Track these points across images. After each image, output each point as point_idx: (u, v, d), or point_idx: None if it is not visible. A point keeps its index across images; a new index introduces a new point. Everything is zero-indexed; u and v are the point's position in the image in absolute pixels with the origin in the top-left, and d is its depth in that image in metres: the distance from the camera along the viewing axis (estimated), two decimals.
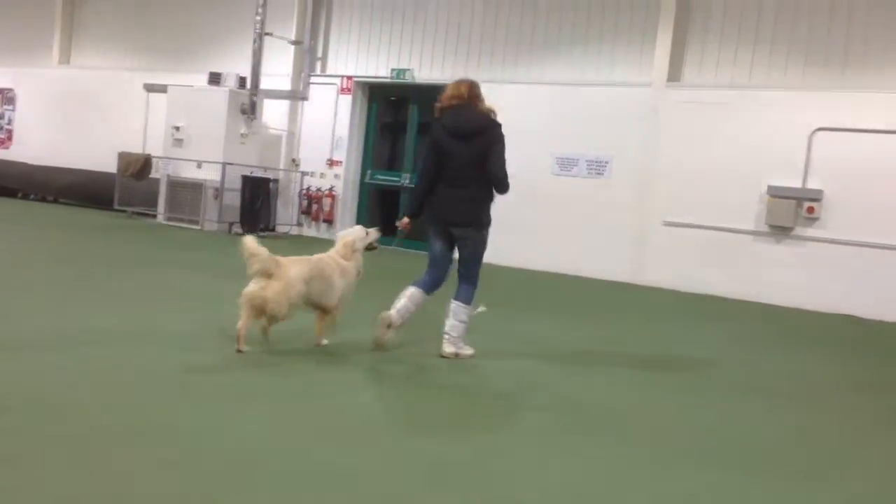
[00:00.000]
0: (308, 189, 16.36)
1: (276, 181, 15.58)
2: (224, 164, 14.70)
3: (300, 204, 16.36)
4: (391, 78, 15.67)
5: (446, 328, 5.92)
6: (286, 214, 16.15)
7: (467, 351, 6.00)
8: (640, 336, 8.16)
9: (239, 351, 5.29)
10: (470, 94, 6.02)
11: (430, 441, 4.05)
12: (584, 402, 5.19)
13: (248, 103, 15.17)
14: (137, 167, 15.72)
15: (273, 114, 16.09)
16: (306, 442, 3.76)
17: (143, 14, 18.47)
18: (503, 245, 13.75)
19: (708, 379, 6.37)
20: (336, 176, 16.18)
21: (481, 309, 6.40)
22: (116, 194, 16.04)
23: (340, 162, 16.14)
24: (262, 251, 5.30)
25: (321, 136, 16.23)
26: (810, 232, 11.79)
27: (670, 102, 12.71)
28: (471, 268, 6.03)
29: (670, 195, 12.70)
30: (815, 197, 11.68)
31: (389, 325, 5.84)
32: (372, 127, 16.47)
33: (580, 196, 13.54)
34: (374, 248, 6.21)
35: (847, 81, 11.69)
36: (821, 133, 11.69)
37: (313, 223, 16.35)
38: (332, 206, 16.16)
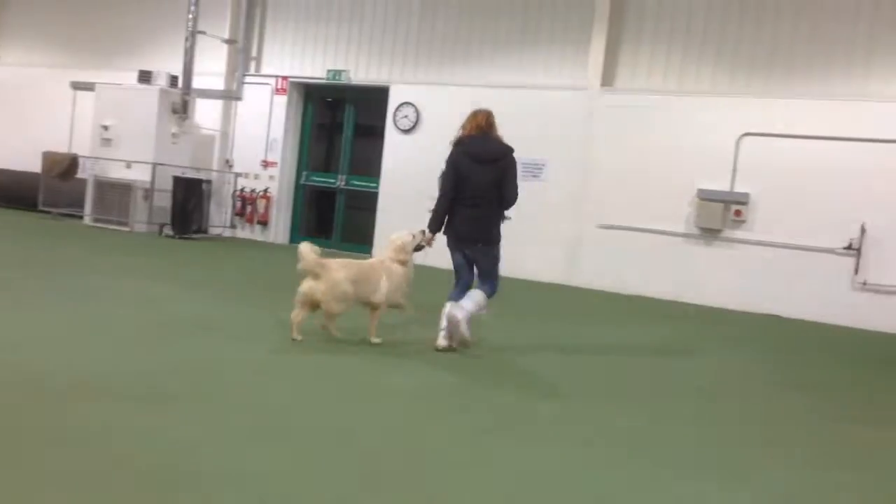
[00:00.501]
0: (242, 190, 16.11)
1: (208, 182, 15.30)
2: (154, 165, 14.38)
3: (234, 206, 16.11)
4: (327, 79, 15.55)
5: (459, 302, 6.46)
6: (219, 216, 15.87)
7: (467, 333, 6.39)
8: (572, 337, 8.25)
9: (293, 339, 6.04)
10: (487, 123, 6.79)
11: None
12: (515, 406, 5.21)
13: (179, 102, 14.86)
14: (63, 167, 15.24)
15: (206, 114, 15.79)
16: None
17: (70, 10, 17.95)
18: (442, 247, 13.84)
19: (637, 379, 6.48)
20: (271, 177, 15.98)
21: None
22: (41, 195, 15.54)
23: (275, 163, 15.95)
24: (309, 255, 6.01)
25: (256, 137, 16.01)
26: (738, 234, 12.11)
27: (604, 106, 12.91)
28: (489, 276, 6.69)
29: (604, 198, 12.90)
30: (743, 200, 12.00)
31: (458, 322, 6.31)
32: (307, 128, 16.32)
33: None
34: (421, 249, 6.74)
35: (773, 88, 12.05)
36: (748, 138, 12.02)
37: (247, 225, 16.11)
38: (266, 208, 15.95)
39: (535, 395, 5.51)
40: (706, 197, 12.17)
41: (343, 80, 15.39)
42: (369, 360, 5.92)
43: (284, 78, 15.90)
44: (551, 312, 10.35)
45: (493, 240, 6.66)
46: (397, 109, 14.82)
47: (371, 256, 14.73)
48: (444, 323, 6.42)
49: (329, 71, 15.52)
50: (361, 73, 15.27)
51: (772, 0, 12.09)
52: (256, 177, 16.04)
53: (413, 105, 14.67)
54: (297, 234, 16.26)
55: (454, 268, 6.79)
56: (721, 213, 12.09)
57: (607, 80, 13.11)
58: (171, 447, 3.60)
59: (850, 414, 5.91)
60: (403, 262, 6.51)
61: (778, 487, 4.00)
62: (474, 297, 6.54)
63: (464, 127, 6.81)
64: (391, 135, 14.91)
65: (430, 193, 14.19)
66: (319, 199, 16.37)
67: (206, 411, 4.21)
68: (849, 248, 11.32)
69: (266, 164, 16.01)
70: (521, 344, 7.38)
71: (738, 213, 12.03)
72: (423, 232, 6.73)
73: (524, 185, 13.33)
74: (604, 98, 12.97)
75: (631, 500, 3.60)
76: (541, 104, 13.49)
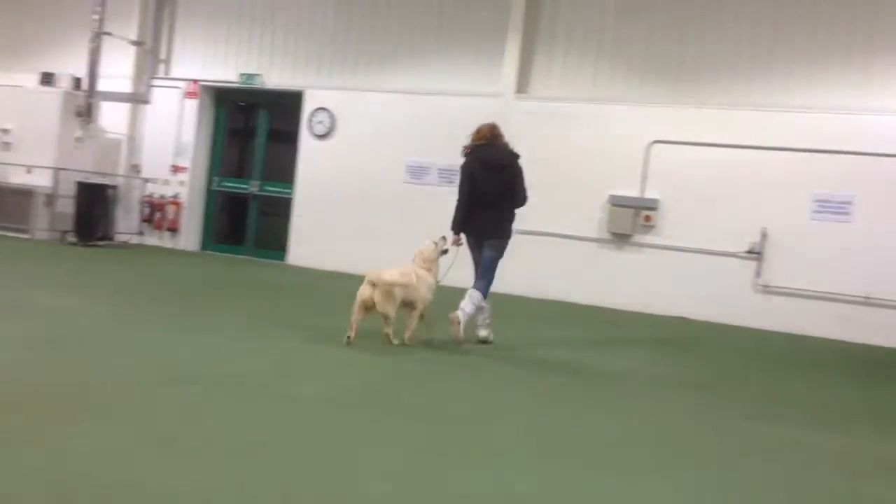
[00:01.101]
0: (150, 196, 15.67)
1: (114, 188, 14.82)
2: (56, 170, 13.85)
3: (141, 212, 15.65)
4: (239, 83, 15.29)
5: (461, 304, 7.21)
6: (126, 223, 15.39)
7: (462, 333, 7.13)
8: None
9: (348, 338, 6.59)
10: (491, 134, 7.56)
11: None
12: (427, 409, 5.21)
13: (83, 106, 14.39)
14: None
15: (112, 117, 15.30)
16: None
17: None
18: (357, 254, 13.79)
19: (550, 380, 6.56)
20: (181, 183, 15.59)
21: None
22: None
23: (186, 168, 15.58)
24: (374, 272, 6.72)
25: (165, 142, 15.61)
26: (647, 239, 12.43)
27: (519, 113, 13.06)
28: (490, 267, 7.48)
29: None
30: (652, 206, 12.33)
31: (459, 323, 7.06)
32: (220, 133, 16.00)
33: (432, 204, 13.66)
34: (446, 252, 7.44)
35: (681, 97, 12.43)
36: (657, 145, 12.36)
37: (156, 232, 15.68)
38: (177, 214, 15.55)
39: (449, 397, 5.51)
40: (617, 203, 12.46)
41: (256, 85, 15.15)
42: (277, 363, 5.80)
43: (195, 81, 15.56)
44: None
45: (505, 234, 7.55)
46: (312, 115, 14.67)
47: (285, 261, 14.71)
48: (462, 303, 7.19)
49: (242, 75, 15.26)
50: (275, 78, 15.07)
51: (679, 12, 12.48)
52: (166, 182, 15.63)
53: (328, 111, 14.55)
54: (208, 241, 15.92)
55: (475, 264, 7.58)
56: (631, 219, 12.40)
57: (522, 87, 13.28)
58: (75, 461, 3.45)
59: (753, 411, 6.12)
60: (429, 269, 7.25)
61: (686, 484, 4.09)
62: (473, 298, 7.28)
63: (470, 138, 7.62)
64: (306, 140, 14.76)
65: (346, 198, 14.19)
66: (232, 206, 16.06)
67: (112, 425, 4.05)
68: (751, 252, 11.76)
69: (176, 170, 15.61)
70: (435, 349, 7.37)
71: (647, 218, 12.35)
72: (444, 238, 7.47)
73: (439, 191, 13.62)
74: (518, 105, 13.13)
75: (542, 500, 3.62)
76: (456, 110, 13.54)
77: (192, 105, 15.57)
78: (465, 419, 4.95)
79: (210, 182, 15.90)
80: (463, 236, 7.58)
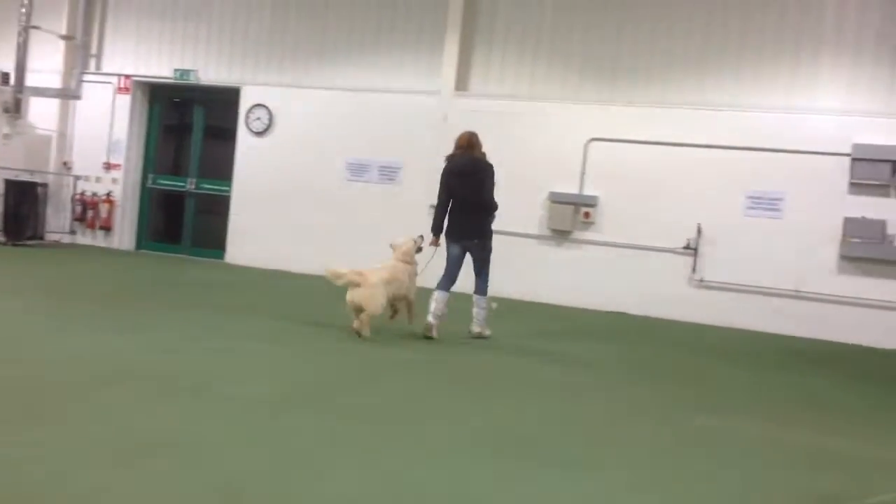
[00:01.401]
0: (82, 194, 15.26)
1: (44, 186, 14.39)
2: None
3: (73, 210, 15.23)
4: (174, 79, 14.98)
5: (473, 314, 8.20)
6: (57, 222, 14.95)
7: (487, 332, 8.22)
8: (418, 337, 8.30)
9: (358, 334, 7.31)
10: (468, 143, 8.19)
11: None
12: (352, 407, 5.19)
13: (11, 101, 13.95)
14: None
15: (41, 113, 14.85)
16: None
17: None
18: (299, 252, 13.66)
19: (483, 376, 6.59)
20: (114, 180, 15.23)
21: (494, 305, 8.64)
22: None
23: (119, 165, 15.21)
24: (344, 272, 7.44)
25: (97, 138, 15.22)
26: (587, 235, 12.58)
27: (459, 111, 13.08)
28: (482, 268, 8.26)
29: None
30: (591, 202, 12.49)
31: (431, 328, 7.84)
32: (154, 129, 15.66)
33: (372, 201, 13.64)
34: (420, 251, 8.16)
35: (618, 95, 12.61)
36: (595, 143, 12.53)
37: (89, 231, 15.27)
38: (110, 213, 15.17)
39: (392, 393, 5.50)
40: (557, 199, 12.59)
41: (191, 80, 14.87)
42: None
43: (127, 77, 15.20)
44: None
45: (486, 235, 8.25)
46: (249, 111, 14.47)
47: (223, 259, 14.47)
48: (473, 313, 8.17)
49: (176, 70, 14.96)
50: (211, 74, 14.82)
51: (615, 12, 12.64)
52: (98, 180, 15.24)
53: (266, 107, 14.36)
54: (143, 240, 15.58)
55: (447, 262, 8.18)
56: (571, 216, 12.53)
57: (461, 84, 13.31)
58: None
59: (692, 403, 6.24)
60: (409, 263, 7.96)
61: (626, 476, 4.16)
62: (480, 304, 8.20)
63: (454, 147, 8.28)
64: (244, 137, 14.54)
65: (285, 196, 14.03)
66: (168, 204, 15.74)
67: (45, 426, 3.93)
68: (687, 247, 12.00)
69: (109, 167, 15.24)
70: (376, 343, 7.35)
71: (586, 214, 12.51)
72: (421, 237, 8.20)
73: (379, 188, 13.58)
74: (458, 102, 13.15)
75: (481, 496, 3.63)
76: (396, 107, 13.55)
77: (124, 101, 15.20)
78: (408, 418, 4.94)
79: (145, 179, 15.55)
80: (443, 238, 8.25)
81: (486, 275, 8.26)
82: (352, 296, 7.36)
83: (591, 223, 12.53)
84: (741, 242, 11.76)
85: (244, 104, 14.50)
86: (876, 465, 4.84)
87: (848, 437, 5.52)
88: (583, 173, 12.58)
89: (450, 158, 8.28)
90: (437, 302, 7.96)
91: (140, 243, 15.52)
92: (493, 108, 12.99)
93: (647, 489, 3.98)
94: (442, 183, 8.19)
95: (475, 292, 8.24)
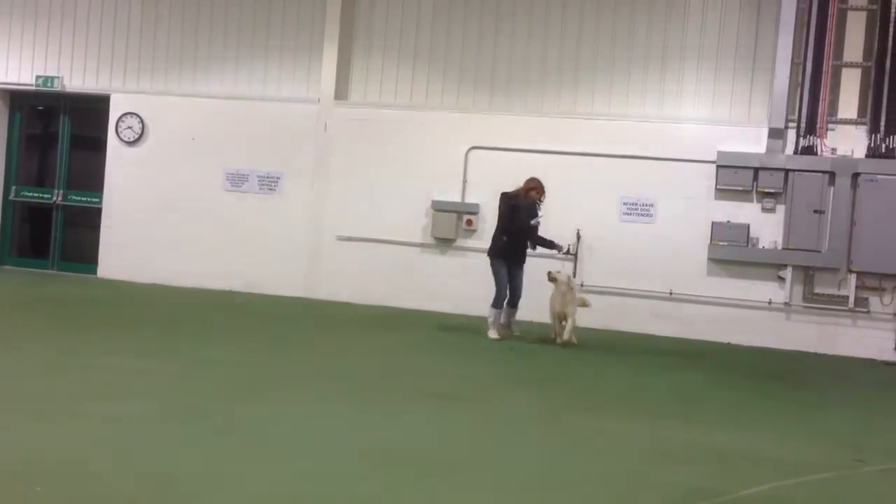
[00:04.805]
0: None
1: None
2: None
3: None
4: (36, 86, 14.23)
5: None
6: None
7: (493, 335, 10.00)
8: (315, 348, 8.20)
9: (554, 340, 9.78)
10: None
11: None
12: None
13: None
14: None
15: None
16: None
17: None
18: (176, 265, 13.21)
19: (368, 382, 6.57)
20: None
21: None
22: None
23: None
24: (564, 278, 10.00)
25: None
26: (469, 243, 12.71)
27: (339, 119, 13.01)
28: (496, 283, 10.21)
29: (343, 210, 12.99)
30: (473, 210, 12.64)
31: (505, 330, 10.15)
32: (15, 139, 14.83)
33: (252, 212, 13.37)
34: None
35: (495, 105, 12.83)
36: (475, 151, 12.70)
37: None
38: None
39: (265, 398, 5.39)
40: (440, 208, 12.67)
41: (55, 88, 14.16)
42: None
43: None
44: (289, 322, 10.21)
45: (490, 254, 10.42)
46: (120, 120, 13.90)
47: (96, 274, 13.82)
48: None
49: (38, 77, 14.21)
50: (77, 81, 14.16)
51: (489, 22, 12.86)
52: None
53: (138, 115, 13.84)
54: (6, 255, 14.72)
55: None
56: (454, 224, 12.64)
57: (341, 93, 13.22)
58: None
59: (570, 404, 6.41)
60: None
61: (511, 475, 4.22)
62: (489, 312, 10.16)
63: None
64: (114, 147, 13.96)
65: (162, 207, 13.53)
66: (33, 216, 14.93)
67: None
68: (567, 253, 12.29)
69: None
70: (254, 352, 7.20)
71: (469, 222, 12.64)
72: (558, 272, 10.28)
73: (259, 199, 13.31)
74: (338, 111, 13.07)
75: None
76: (274, 116, 13.34)
77: None
78: (271, 421, 4.86)
79: (7, 191, 14.69)
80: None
81: (495, 291, 10.17)
82: (560, 306, 9.79)
83: (474, 231, 12.67)
84: (618, 247, 12.15)
85: (114, 112, 13.92)
86: (748, 457, 5.09)
87: (720, 431, 5.79)
88: (464, 181, 12.72)
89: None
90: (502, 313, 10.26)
91: (3, 258, 14.65)
92: (374, 117, 12.99)
93: (532, 486, 4.05)
94: None
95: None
